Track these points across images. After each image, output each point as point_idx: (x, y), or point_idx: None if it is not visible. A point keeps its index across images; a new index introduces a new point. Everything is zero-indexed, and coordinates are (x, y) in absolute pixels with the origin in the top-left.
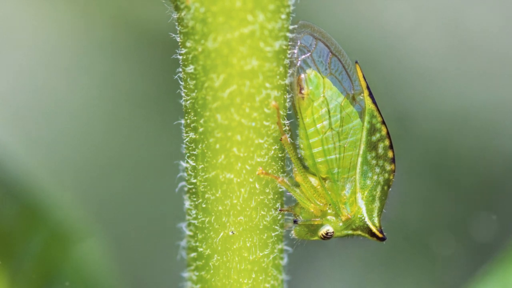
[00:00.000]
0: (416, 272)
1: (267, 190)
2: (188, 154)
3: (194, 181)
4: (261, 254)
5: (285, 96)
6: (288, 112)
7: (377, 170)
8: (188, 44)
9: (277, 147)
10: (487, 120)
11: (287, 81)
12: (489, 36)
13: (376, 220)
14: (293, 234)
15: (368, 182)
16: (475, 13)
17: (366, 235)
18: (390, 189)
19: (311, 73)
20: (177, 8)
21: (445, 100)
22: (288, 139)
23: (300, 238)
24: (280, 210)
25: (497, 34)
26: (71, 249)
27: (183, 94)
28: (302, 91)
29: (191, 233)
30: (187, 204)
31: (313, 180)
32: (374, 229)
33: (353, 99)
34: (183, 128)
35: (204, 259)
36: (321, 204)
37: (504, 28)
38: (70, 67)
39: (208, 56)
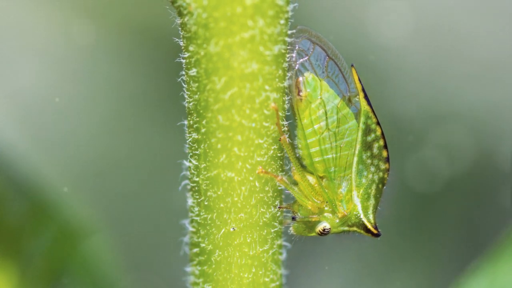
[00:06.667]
0: (410, 267)
1: (267, 188)
2: (191, 154)
3: (197, 179)
4: (261, 249)
5: (284, 98)
6: (287, 114)
7: (372, 169)
8: (191, 48)
9: (276, 147)
10: (479, 120)
11: (286, 84)
12: (481, 40)
13: (371, 217)
14: (291, 230)
15: (364, 180)
16: (467, 17)
17: (362, 231)
18: (384, 187)
19: (308, 76)
20: (180, 14)
21: (438, 101)
22: (287, 139)
23: (298, 234)
24: (279, 207)
25: (487, 38)
26: (78, 245)
27: (186, 96)
28: (300, 93)
29: (193, 230)
30: (190, 201)
31: (311, 179)
32: (369, 226)
33: (349, 101)
34: (186, 129)
35: (206, 254)
36: (319, 202)
37: (494, 32)
38: (77, 70)
39: (210, 60)
